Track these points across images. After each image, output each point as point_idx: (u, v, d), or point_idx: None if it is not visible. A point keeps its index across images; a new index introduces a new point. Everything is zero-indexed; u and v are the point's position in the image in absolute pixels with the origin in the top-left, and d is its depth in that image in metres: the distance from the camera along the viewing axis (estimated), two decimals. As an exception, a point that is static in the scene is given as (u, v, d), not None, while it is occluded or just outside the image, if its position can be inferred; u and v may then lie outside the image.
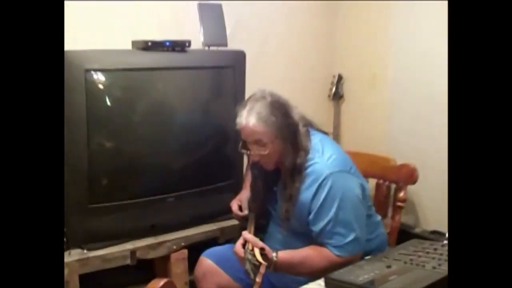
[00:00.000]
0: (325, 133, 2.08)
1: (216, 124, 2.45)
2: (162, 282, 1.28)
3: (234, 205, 2.27)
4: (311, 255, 1.89)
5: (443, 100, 2.42)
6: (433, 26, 2.74)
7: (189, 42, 2.31)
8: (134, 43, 2.28)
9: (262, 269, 1.75)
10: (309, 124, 2.02)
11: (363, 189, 2.00)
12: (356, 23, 3.18)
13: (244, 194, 2.28)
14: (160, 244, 2.34)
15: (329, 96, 3.24)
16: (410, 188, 2.40)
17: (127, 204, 2.25)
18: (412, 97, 2.90)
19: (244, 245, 1.85)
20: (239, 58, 2.46)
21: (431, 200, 2.79)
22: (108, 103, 2.19)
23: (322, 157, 1.90)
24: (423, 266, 1.59)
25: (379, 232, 2.12)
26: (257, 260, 1.75)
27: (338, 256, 1.86)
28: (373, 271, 1.60)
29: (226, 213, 2.33)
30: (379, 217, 2.19)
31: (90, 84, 2.11)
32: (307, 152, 1.91)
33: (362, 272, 1.59)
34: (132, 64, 2.21)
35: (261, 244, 1.84)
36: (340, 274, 1.62)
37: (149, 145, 2.31)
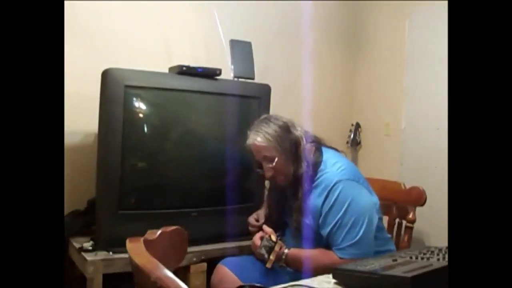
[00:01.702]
0: (337, 150, 2.14)
1: (240, 150, 2.45)
2: (170, 229, 1.27)
3: (251, 219, 2.32)
4: (317, 255, 1.93)
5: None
6: (444, 78, 2.82)
7: (220, 70, 2.42)
8: (170, 69, 2.39)
9: (277, 247, 1.87)
10: (318, 141, 2.09)
11: (373, 201, 2.01)
12: (373, 77, 3.30)
13: (262, 210, 2.33)
14: None
15: (347, 142, 3.29)
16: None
17: (153, 214, 2.27)
18: (423, 144, 2.94)
19: (261, 238, 1.94)
20: (265, 90, 2.55)
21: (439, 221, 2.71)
22: (143, 118, 2.29)
23: (332, 168, 1.96)
24: (428, 259, 1.59)
25: (389, 249, 2.10)
26: (272, 241, 1.87)
27: (340, 258, 1.88)
28: (379, 263, 1.60)
29: (246, 234, 2.34)
30: (389, 235, 2.17)
31: (129, 100, 2.21)
32: (315, 164, 1.98)
33: (369, 264, 1.59)
34: (168, 85, 2.31)
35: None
36: (347, 266, 1.64)
37: (178, 161, 2.37)
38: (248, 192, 2.51)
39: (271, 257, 1.88)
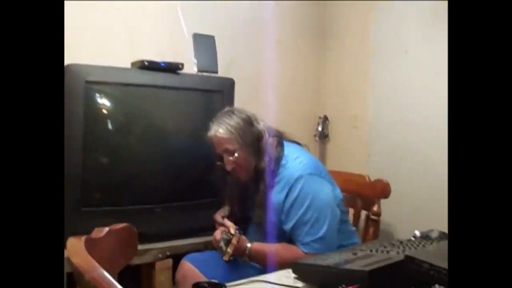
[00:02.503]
0: (299, 143, 2.12)
1: (204, 145, 2.41)
2: (118, 226, 1.25)
3: (218, 216, 2.25)
4: (281, 249, 1.92)
5: (419, 139, 2.49)
6: (410, 69, 2.81)
7: (182, 65, 2.37)
8: (133, 64, 2.35)
9: (234, 240, 1.87)
10: (280, 135, 2.06)
11: (335, 194, 1.99)
12: (341, 69, 3.27)
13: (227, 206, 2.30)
14: (146, 251, 2.29)
15: (315, 135, 3.27)
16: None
17: (117, 210, 2.22)
18: (390, 136, 2.94)
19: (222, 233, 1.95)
20: (228, 84, 2.50)
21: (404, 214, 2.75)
22: (105, 114, 2.24)
23: (294, 162, 1.95)
24: (388, 252, 1.57)
25: (353, 242, 2.09)
26: (231, 233, 1.88)
27: (304, 253, 1.87)
28: (339, 257, 1.59)
29: (211, 229, 2.26)
30: (353, 228, 2.17)
31: (90, 96, 2.16)
32: (277, 159, 1.96)
33: (329, 258, 1.59)
34: (129, 80, 2.26)
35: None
36: (307, 260, 1.64)
37: (141, 156, 2.32)
38: (212, 186, 2.44)
39: (228, 249, 1.88)
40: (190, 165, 2.43)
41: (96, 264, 1.04)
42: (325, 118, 3.27)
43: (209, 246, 2.36)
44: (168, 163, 2.40)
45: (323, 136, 3.25)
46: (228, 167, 1.97)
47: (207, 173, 2.45)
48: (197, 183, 2.45)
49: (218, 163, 2.02)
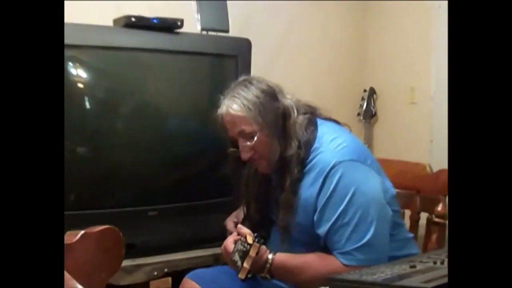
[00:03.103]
0: (337, 122, 2.08)
1: (212, 127, 2.40)
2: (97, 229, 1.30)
3: (230, 223, 2.24)
4: (313, 262, 1.89)
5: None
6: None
7: (181, 21, 2.34)
8: (116, 21, 2.33)
9: (252, 252, 1.83)
10: (312, 112, 2.02)
11: (386, 188, 1.95)
12: (391, 30, 3.24)
13: (242, 210, 2.26)
14: (137, 267, 2.29)
15: (358, 114, 3.24)
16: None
17: (99, 214, 2.21)
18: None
19: (236, 242, 1.92)
20: (244, 46, 2.47)
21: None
22: (83, 89, 2.24)
23: (329, 145, 1.90)
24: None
25: (410, 252, 2.02)
26: (248, 243, 1.85)
27: (344, 265, 1.82)
28: (391, 270, 1.50)
29: (221, 238, 2.19)
30: (410, 234, 2.12)
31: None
32: (308, 142, 1.91)
33: (379, 272, 1.51)
34: (113, 42, 2.24)
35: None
36: (348, 275, 1.54)
37: (130, 144, 2.34)
38: (223, 182, 2.42)
39: (245, 264, 1.84)
40: (193, 154, 2.43)
41: (68, 276, 1.06)
42: (372, 92, 3.23)
43: (220, 260, 2.37)
44: (165, 151, 2.40)
45: (369, 115, 3.22)
46: (244, 155, 1.93)
47: (216, 165, 2.47)
48: (202, 178, 2.45)
49: (231, 150, 1.98)
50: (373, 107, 3.23)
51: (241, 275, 1.86)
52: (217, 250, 2.38)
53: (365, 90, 3.24)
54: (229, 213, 2.29)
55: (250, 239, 1.86)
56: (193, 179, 2.43)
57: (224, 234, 2.19)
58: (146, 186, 2.34)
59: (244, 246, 1.87)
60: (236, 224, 2.17)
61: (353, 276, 1.49)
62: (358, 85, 3.28)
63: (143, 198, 2.33)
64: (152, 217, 2.34)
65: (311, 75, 3.15)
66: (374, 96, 3.22)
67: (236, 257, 1.87)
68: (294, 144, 1.90)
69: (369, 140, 3.13)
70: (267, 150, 1.93)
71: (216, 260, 2.43)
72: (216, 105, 1.97)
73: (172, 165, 2.40)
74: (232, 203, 2.33)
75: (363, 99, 3.23)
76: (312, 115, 2.00)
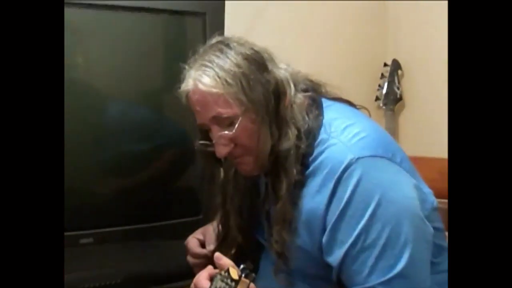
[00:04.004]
0: (350, 103, 2.10)
1: (173, 114, 2.49)
2: None
3: (192, 241, 2.27)
4: None
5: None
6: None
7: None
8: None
9: None
10: (316, 89, 2.04)
11: (424, 197, 1.96)
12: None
13: (212, 226, 2.30)
14: None
15: (377, 99, 3.27)
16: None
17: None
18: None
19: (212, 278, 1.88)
20: (215, 3, 2.50)
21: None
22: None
23: (342, 135, 1.90)
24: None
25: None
26: (232, 279, 1.80)
27: None
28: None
29: (189, 273, 2.21)
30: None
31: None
32: (312, 131, 1.93)
33: None
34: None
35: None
36: None
37: None
38: (189, 195, 2.50)
39: None
40: (144, 155, 2.43)
41: None
42: (396, 66, 3.25)
43: None
44: (103, 152, 2.41)
45: (393, 100, 3.24)
46: (221, 150, 1.92)
47: (179, 169, 2.50)
48: (159, 189, 2.47)
49: (200, 143, 1.98)
50: (398, 88, 3.22)
51: None
52: None
53: (385, 64, 3.25)
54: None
55: (234, 274, 1.82)
56: (144, 191, 2.44)
57: (187, 267, 2.22)
58: (77, 203, 2.32)
59: (226, 283, 1.83)
60: (202, 245, 2.22)
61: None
62: (376, 57, 3.30)
63: (71, 220, 2.22)
64: (86, 246, 2.34)
65: (312, 46, 3.16)
66: (399, 72, 3.23)
67: None
68: (292, 134, 1.90)
69: (392, 134, 3.07)
70: (254, 142, 1.92)
71: None
72: (177, 79, 1.96)
73: (113, 171, 2.42)
74: (202, 224, 2.35)
75: (383, 76, 3.23)
76: (316, 93, 2.02)
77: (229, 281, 1.81)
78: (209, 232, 2.25)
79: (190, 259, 2.26)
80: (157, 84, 2.43)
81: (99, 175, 2.41)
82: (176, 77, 1.97)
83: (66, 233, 2.20)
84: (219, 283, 1.83)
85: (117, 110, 2.46)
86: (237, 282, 1.80)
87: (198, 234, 2.28)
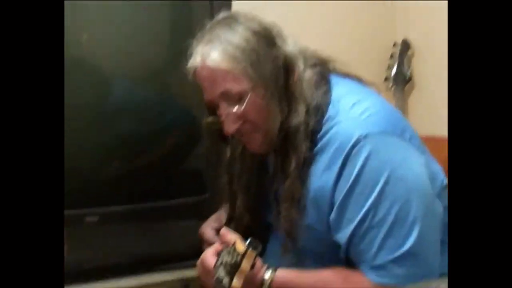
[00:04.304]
0: (359, 80, 2.10)
1: (178, 95, 2.49)
2: None
3: (208, 231, 2.24)
4: (329, 280, 1.90)
5: None
6: None
7: None
8: None
9: (246, 263, 1.80)
10: (324, 65, 2.04)
11: (434, 174, 1.96)
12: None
13: (224, 209, 2.28)
14: None
15: (386, 79, 3.24)
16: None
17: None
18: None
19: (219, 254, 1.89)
20: None
21: None
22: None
23: (350, 112, 1.91)
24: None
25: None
26: (238, 253, 1.81)
27: (376, 285, 1.84)
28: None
29: (195, 254, 2.18)
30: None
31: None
32: (319, 110, 1.92)
33: None
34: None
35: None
36: None
37: None
38: (195, 174, 2.50)
39: (235, 282, 1.79)
40: (149, 135, 2.44)
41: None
42: (405, 47, 3.23)
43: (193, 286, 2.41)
44: (107, 131, 2.42)
45: (402, 80, 3.21)
46: (230, 127, 1.91)
47: (184, 149, 2.49)
48: (164, 168, 2.47)
49: (208, 120, 1.99)
50: (408, 69, 3.21)
51: None
52: (187, 273, 2.44)
53: (395, 45, 3.23)
54: (204, 218, 2.29)
55: (240, 247, 1.82)
56: (149, 170, 2.45)
57: (198, 249, 2.17)
58: (81, 181, 2.33)
59: (233, 257, 1.83)
60: (217, 232, 2.15)
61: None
62: (385, 37, 3.28)
63: (79, 200, 2.29)
64: (92, 224, 2.35)
65: (315, 20, 3.15)
66: (409, 52, 3.21)
67: (222, 273, 1.83)
68: (302, 109, 1.90)
69: (401, 114, 3.10)
70: (262, 119, 1.92)
71: (186, 286, 2.46)
72: (183, 60, 1.95)
73: (119, 150, 2.44)
74: (208, 203, 2.36)
75: (392, 57, 3.21)
76: (324, 69, 2.01)
77: (235, 254, 1.82)
78: (222, 219, 2.24)
79: (204, 244, 2.23)
80: (163, 65, 2.43)
81: (105, 154, 2.41)
82: (182, 57, 1.96)
83: (71, 211, 2.25)
84: (225, 258, 1.84)
85: (123, 90, 2.46)
86: (243, 255, 1.81)
87: (213, 222, 2.26)
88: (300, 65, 1.96)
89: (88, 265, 2.39)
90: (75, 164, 2.32)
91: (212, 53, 1.87)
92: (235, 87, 1.88)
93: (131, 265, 2.43)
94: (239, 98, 1.89)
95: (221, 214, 2.26)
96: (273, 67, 1.91)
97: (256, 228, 2.10)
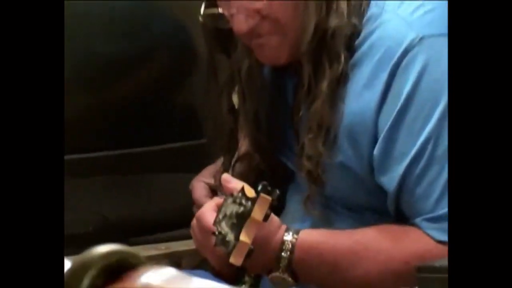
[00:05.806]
0: None
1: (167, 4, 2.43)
2: None
3: (199, 187, 2.06)
4: (373, 241, 1.74)
5: None
6: None
7: None
8: None
9: (259, 211, 1.62)
10: None
11: None
12: None
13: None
14: None
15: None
16: None
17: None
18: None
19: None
20: None
21: None
22: None
23: (398, 9, 1.74)
24: None
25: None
26: (248, 198, 1.64)
27: (438, 243, 1.66)
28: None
29: (185, 220, 2.05)
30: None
31: None
32: (357, 9, 1.76)
33: None
34: None
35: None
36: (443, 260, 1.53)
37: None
38: (189, 111, 2.45)
39: (243, 235, 1.62)
40: (132, 56, 2.33)
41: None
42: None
43: (182, 265, 2.29)
44: (79, 51, 2.27)
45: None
46: (241, 25, 1.71)
47: (177, 75, 2.45)
48: (152, 102, 2.36)
49: (208, 13, 1.79)
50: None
51: (236, 258, 1.63)
52: (177, 246, 2.35)
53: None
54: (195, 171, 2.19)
55: (250, 192, 1.66)
56: (131, 106, 2.37)
57: (189, 214, 2.00)
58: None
59: (240, 204, 1.67)
60: (211, 191, 2.03)
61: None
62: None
63: None
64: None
65: None
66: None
67: (225, 227, 1.67)
68: (343, 7, 1.73)
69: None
70: (290, 16, 1.75)
71: (177, 265, 2.25)
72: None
73: (88, 79, 2.35)
74: (206, 150, 2.23)
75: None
76: None
77: (243, 200, 1.66)
78: (218, 172, 2.03)
79: (195, 206, 2.07)
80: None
81: (70, 84, 2.18)
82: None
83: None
84: (230, 207, 1.68)
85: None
86: (253, 200, 1.63)
87: (205, 176, 2.07)
88: None
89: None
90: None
91: None
92: None
93: (104, 234, 2.26)
94: None
95: (216, 166, 2.07)
96: None
97: (269, 172, 1.90)
